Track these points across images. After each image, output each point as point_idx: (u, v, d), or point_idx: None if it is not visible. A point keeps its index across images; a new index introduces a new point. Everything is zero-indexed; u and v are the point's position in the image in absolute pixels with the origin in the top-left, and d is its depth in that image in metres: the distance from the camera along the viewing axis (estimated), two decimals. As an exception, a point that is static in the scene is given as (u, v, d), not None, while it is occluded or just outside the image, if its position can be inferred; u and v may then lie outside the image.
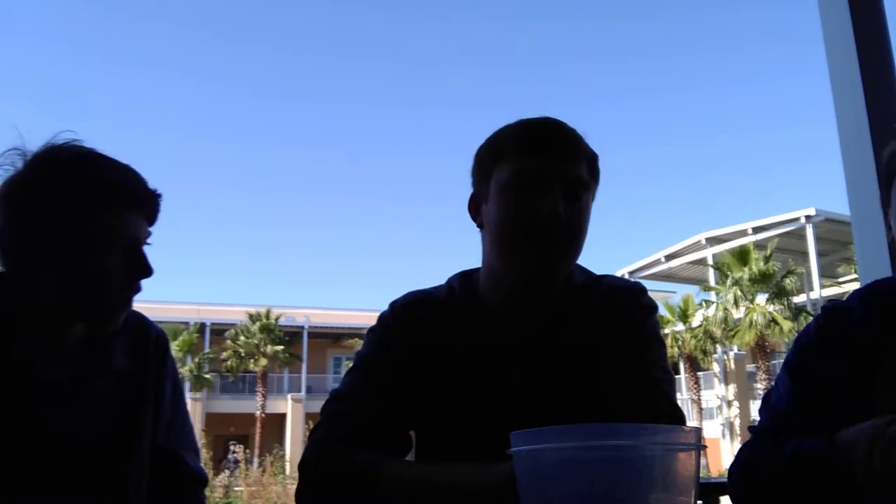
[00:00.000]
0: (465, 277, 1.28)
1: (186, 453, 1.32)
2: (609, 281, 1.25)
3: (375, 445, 1.11)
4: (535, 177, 1.13)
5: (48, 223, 1.09)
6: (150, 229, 1.19)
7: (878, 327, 1.13)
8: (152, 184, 1.19)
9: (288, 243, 44.52)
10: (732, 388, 24.36)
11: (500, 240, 1.16)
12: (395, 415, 1.17)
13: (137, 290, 1.16)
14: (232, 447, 14.67)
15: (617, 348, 1.16)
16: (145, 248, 1.18)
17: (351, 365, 1.25)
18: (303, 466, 1.13)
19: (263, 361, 26.61)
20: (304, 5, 43.47)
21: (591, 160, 1.19)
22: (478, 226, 1.24)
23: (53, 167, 1.12)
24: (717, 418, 24.58)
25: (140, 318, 1.30)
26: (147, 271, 1.15)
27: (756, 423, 1.25)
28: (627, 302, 1.22)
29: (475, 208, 1.24)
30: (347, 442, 1.12)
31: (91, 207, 1.10)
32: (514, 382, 1.18)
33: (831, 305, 1.23)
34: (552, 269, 1.16)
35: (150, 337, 1.30)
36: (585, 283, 1.24)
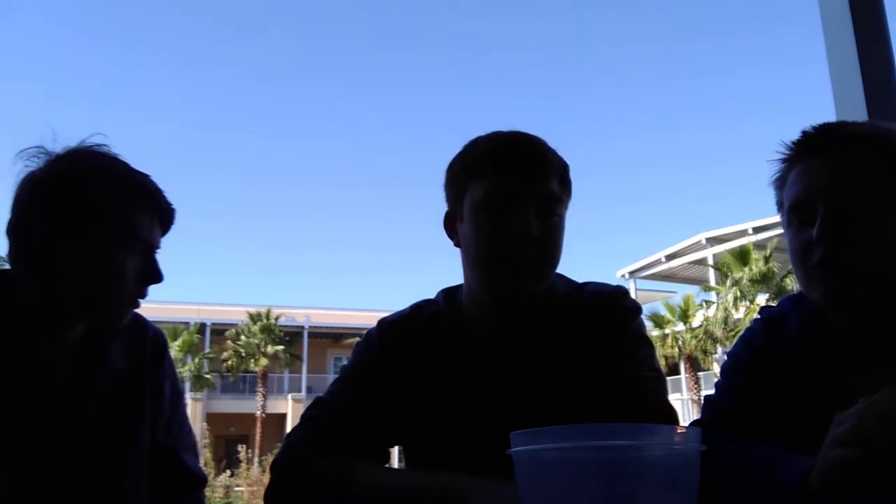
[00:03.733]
0: (449, 294, 1.30)
1: (185, 453, 1.33)
2: (590, 287, 1.26)
3: (348, 453, 1.12)
4: (509, 196, 1.13)
5: (75, 217, 1.11)
6: (162, 240, 1.22)
7: (813, 344, 1.12)
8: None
9: (288, 243, 44.58)
10: (733, 387, 24.36)
11: (475, 260, 1.18)
12: (372, 428, 1.18)
13: (145, 294, 1.19)
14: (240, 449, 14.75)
15: (604, 351, 1.16)
16: (157, 257, 1.20)
17: (337, 376, 1.28)
18: (275, 468, 1.14)
19: (264, 361, 26.62)
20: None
21: (563, 172, 1.19)
22: (455, 244, 1.25)
23: (86, 163, 1.15)
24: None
25: (137, 318, 1.31)
26: (158, 277, 1.18)
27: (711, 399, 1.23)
28: (611, 305, 1.22)
29: (451, 226, 1.25)
30: (321, 446, 1.13)
31: (119, 206, 1.13)
32: (499, 393, 1.19)
33: (766, 318, 1.21)
34: (526, 288, 1.16)
35: (147, 336, 1.30)
36: (567, 291, 1.25)
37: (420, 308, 1.30)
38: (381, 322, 1.30)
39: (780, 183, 1.16)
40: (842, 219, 1.03)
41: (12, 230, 1.13)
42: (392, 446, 1.27)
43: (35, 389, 1.13)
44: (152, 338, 1.31)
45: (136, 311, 1.30)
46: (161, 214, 1.20)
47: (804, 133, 1.12)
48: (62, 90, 39.76)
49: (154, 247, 1.19)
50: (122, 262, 1.13)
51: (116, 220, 1.13)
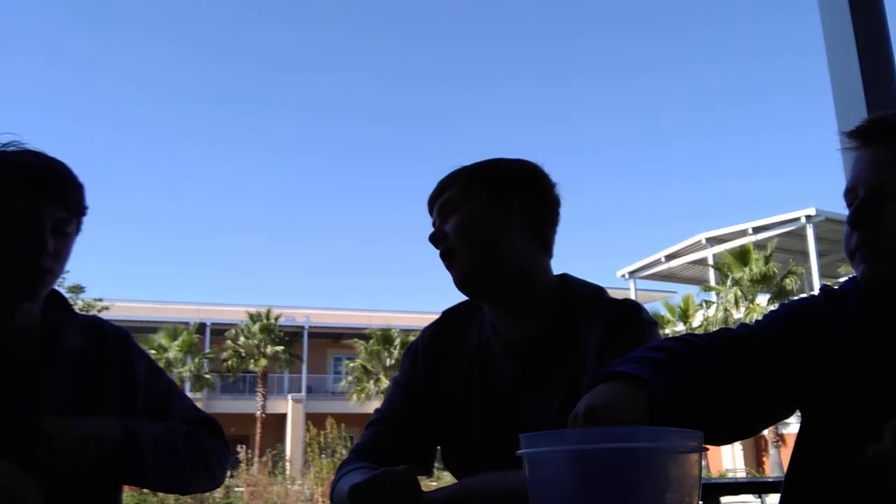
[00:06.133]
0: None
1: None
2: (608, 297, 1.31)
3: (395, 458, 1.23)
4: (434, 225, 1.34)
5: None
6: (69, 214, 1.27)
7: (874, 320, 1.12)
8: (81, 176, 1.31)
9: (288, 243, 44.61)
10: (733, 387, 24.32)
11: None
12: (416, 431, 1.33)
13: (42, 265, 1.23)
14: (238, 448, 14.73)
15: (617, 358, 1.18)
16: (66, 233, 1.27)
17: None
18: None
19: (264, 361, 26.61)
20: (290, 18, 43.52)
21: (463, 177, 1.33)
22: None
23: None
24: (718, 418, 24.58)
25: (95, 319, 1.41)
26: (41, 248, 1.22)
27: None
28: (629, 315, 1.25)
29: None
30: (360, 453, 1.31)
31: (5, 191, 1.22)
32: (513, 392, 1.26)
33: (830, 290, 1.22)
34: (461, 276, 1.29)
35: (106, 328, 1.38)
36: (585, 293, 1.31)
37: (451, 310, 1.43)
38: (426, 328, 1.44)
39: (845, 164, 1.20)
40: (874, 204, 1.07)
41: None
42: (434, 448, 1.38)
43: None
44: (111, 329, 1.39)
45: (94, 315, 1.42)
46: (54, 192, 1.25)
47: (861, 123, 1.16)
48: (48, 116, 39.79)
49: (40, 221, 1.22)
50: (6, 240, 1.21)
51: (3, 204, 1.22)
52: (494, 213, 1.29)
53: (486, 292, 1.30)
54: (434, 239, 1.32)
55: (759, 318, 1.23)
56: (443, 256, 1.31)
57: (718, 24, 41.86)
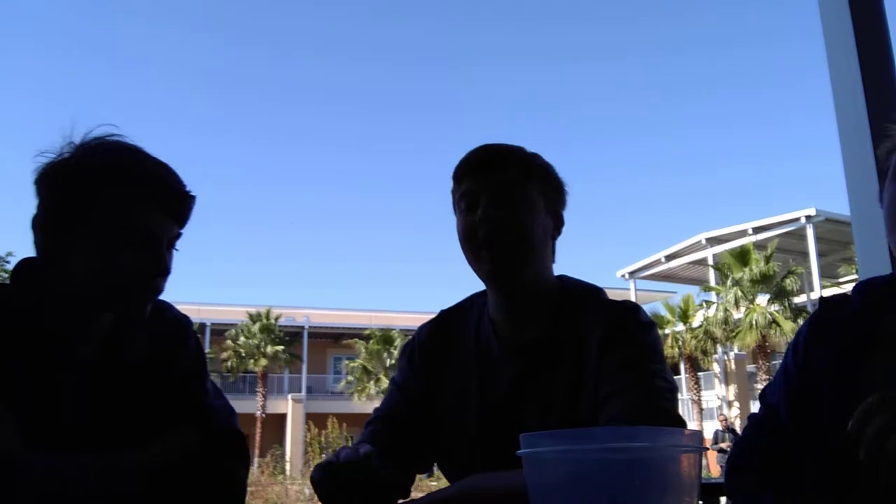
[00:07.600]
0: (481, 295, 1.38)
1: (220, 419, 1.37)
2: (607, 298, 1.31)
3: (393, 457, 1.23)
4: (470, 196, 1.25)
5: (76, 207, 1.11)
6: (180, 230, 1.19)
7: (869, 320, 1.13)
8: (188, 185, 1.20)
9: (288, 243, 44.60)
10: (733, 388, 24.37)
11: (464, 254, 1.28)
12: (414, 431, 1.32)
13: (156, 286, 1.16)
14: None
15: (619, 362, 1.19)
16: (173, 249, 1.19)
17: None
18: None
19: (264, 361, 26.62)
20: (315, 5, 43.49)
21: (524, 162, 1.27)
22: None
23: (91, 154, 1.14)
24: (718, 419, 24.63)
25: (160, 305, 1.28)
26: (161, 270, 1.15)
27: (754, 414, 1.27)
28: (628, 316, 1.25)
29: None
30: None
31: (118, 199, 1.12)
32: (513, 392, 1.25)
33: (829, 297, 1.23)
34: (505, 265, 1.24)
35: (166, 320, 1.29)
36: (583, 294, 1.31)
37: (455, 310, 1.40)
38: (422, 326, 1.41)
39: None
40: None
41: (34, 223, 1.14)
42: (433, 443, 1.35)
43: (63, 367, 1.14)
44: (171, 320, 1.30)
45: (164, 301, 1.29)
46: (171, 205, 1.17)
47: None
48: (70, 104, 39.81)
49: (159, 238, 1.15)
50: (118, 254, 1.11)
51: (115, 211, 1.11)
52: (546, 210, 1.28)
53: (520, 287, 1.26)
54: (483, 220, 1.22)
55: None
56: (483, 240, 1.22)
57: (716, 41, 41.86)
